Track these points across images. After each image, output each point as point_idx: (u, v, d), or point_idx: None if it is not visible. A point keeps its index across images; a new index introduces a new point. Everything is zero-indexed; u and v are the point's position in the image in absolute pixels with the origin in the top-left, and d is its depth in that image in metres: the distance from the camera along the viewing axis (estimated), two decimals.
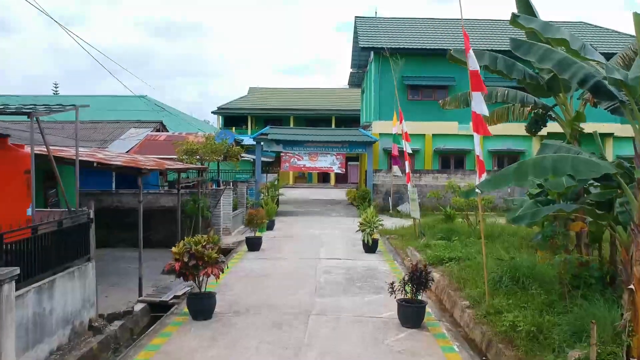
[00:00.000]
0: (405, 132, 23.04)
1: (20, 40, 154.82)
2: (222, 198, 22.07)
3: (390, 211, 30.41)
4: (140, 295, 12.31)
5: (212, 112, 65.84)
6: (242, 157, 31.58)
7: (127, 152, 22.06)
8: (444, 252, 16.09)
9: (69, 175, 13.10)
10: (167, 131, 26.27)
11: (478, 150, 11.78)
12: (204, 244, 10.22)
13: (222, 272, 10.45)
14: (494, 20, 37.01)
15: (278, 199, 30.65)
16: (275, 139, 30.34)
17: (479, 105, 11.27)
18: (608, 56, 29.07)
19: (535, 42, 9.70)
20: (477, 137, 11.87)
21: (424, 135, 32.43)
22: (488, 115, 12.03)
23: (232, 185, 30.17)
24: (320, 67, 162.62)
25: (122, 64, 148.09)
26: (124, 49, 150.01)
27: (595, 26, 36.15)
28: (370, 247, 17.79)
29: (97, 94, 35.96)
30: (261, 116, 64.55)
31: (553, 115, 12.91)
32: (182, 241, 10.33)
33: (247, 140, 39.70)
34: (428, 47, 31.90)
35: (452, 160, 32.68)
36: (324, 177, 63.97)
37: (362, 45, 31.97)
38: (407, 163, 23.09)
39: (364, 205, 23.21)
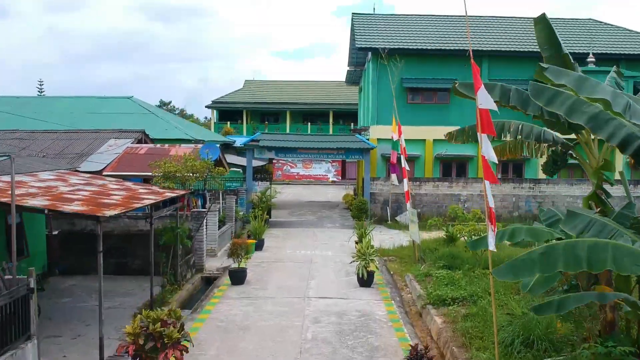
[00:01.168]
0: (403, 147, 21.37)
1: (17, 24, 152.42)
2: (207, 216, 20.49)
3: (389, 221, 28.89)
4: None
5: (206, 107, 64.17)
6: (232, 165, 30.00)
7: (103, 168, 20.42)
8: (446, 290, 14.56)
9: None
10: (151, 140, 24.58)
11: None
12: (164, 318, 8.64)
13: (187, 352, 8.84)
14: (502, 18, 35.17)
15: (270, 209, 29.06)
16: (267, 145, 28.72)
17: (487, 149, 9.59)
18: (618, 57, 27.39)
19: (561, 89, 8.02)
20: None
21: (424, 140, 30.77)
22: (497, 162, 10.30)
23: (221, 195, 28.62)
24: (321, 51, 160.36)
25: (119, 48, 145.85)
26: (122, 32, 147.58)
27: (605, 23, 34.32)
28: (365, 281, 16.21)
29: (83, 95, 34.20)
30: (257, 110, 62.91)
31: (574, 155, 11.22)
32: (138, 316, 8.73)
33: (241, 141, 38.09)
34: (429, 48, 30.12)
35: (454, 166, 31.05)
36: None
37: (358, 46, 30.21)
38: (405, 181, 21.46)
39: (360, 223, 21.64)
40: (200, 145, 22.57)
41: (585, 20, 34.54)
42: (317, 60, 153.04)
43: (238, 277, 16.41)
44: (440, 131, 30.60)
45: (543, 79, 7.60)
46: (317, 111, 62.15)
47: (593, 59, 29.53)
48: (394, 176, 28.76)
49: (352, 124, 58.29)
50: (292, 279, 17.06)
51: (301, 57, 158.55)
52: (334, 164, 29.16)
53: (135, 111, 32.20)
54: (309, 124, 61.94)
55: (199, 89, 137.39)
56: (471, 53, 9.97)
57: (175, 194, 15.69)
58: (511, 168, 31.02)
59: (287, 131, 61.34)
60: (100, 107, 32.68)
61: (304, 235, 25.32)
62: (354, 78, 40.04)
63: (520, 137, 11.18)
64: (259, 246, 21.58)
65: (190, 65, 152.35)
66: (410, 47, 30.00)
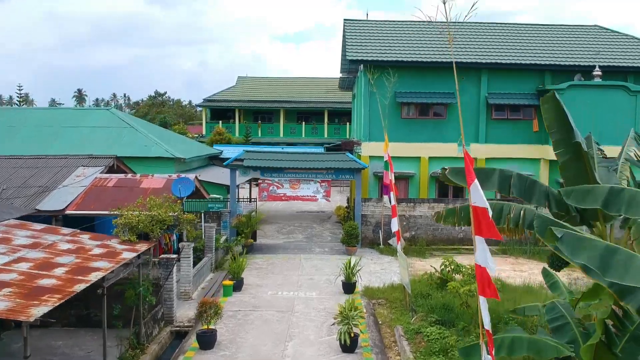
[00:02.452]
0: (391, 181, 19.63)
1: (16, 8, 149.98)
2: (180, 255, 18.87)
3: (381, 245, 27.25)
4: None
5: (197, 105, 62.37)
6: (214, 186, 28.30)
7: (67, 206, 18.72)
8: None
9: None
10: (124, 165, 22.84)
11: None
12: None
13: None
14: (501, 25, 33.22)
15: (255, 232, 27.43)
16: (251, 165, 27.01)
17: (484, 256, 7.89)
18: (626, 70, 25.53)
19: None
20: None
21: (419, 158, 29.02)
22: (494, 273, 8.61)
23: (203, 217, 26.96)
24: (320, 34, 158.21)
25: (118, 30, 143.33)
26: (120, 15, 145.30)
27: (611, 31, 32.42)
28: (348, 347, 14.59)
29: (62, 106, 32.36)
30: (250, 109, 61.09)
31: None
32: None
33: (228, 153, 36.33)
34: (424, 60, 28.25)
35: (451, 186, 29.29)
36: None
37: (349, 58, 28.33)
38: (392, 195, 19.70)
39: (348, 262, 19.95)
40: (174, 176, 20.85)
41: (591, 28, 32.61)
42: (317, 44, 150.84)
43: (207, 341, 14.79)
44: (436, 148, 29.06)
45: (557, 251, 5.84)
46: (311, 110, 60.31)
47: (599, 72, 27.70)
48: (386, 198, 27.04)
49: (346, 124, 56.51)
50: (267, 341, 15.42)
51: (301, 41, 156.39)
52: (323, 184, 27.47)
53: (113, 124, 30.38)
54: (304, 123, 60.16)
55: (198, 73, 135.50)
56: (464, 148, 8.21)
57: (134, 253, 14.03)
58: None
59: (281, 130, 59.72)
60: (78, 120, 30.88)
61: (289, 266, 23.69)
62: (347, 84, 38.19)
63: (521, 223, 9.40)
64: (238, 286, 19.96)
65: (189, 48, 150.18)
66: (404, 59, 28.14)
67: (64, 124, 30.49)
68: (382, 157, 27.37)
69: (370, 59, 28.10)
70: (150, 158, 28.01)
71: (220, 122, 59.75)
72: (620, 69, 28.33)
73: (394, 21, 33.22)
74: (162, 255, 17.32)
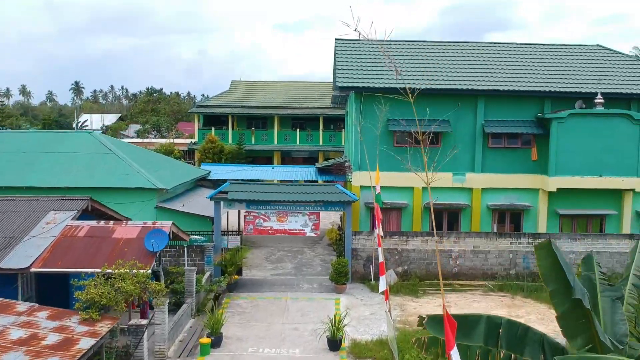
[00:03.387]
0: (378, 215, 18.35)
1: None
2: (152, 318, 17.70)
3: (372, 281, 26.10)
4: None
5: (189, 112, 60.98)
6: (199, 218, 27.15)
7: (32, 263, 17.51)
8: None
9: None
10: (99, 204, 21.58)
11: None
12: None
13: None
14: (498, 46, 31.84)
15: (241, 267, 26.28)
16: (236, 198, 25.81)
17: None
18: (629, 97, 24.23)
19: None
20: None
21: (412, 188, 27.77)
22: None
23: (186, 252, 25.84)
24: (321, 23, 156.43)
25: (117, 19, 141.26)
26: (120, 3, 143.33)
27: (613, 52, 31.08)
28: None
29: (43, 130, 31.12)
30: (243, 115, 59.79)
31: None
32: None
33: (217, 173, 35.10)
34: (418, 87, 26.85)
35: (445, 216, 28.10)
36: None
37: (339, 84, 27.02)
38: (380, 250, 18.42)
39: (335, 319, 18.82)
40: (149, 224, 19.64)
41: (593, 48, 31.25)
42: (316, 33, 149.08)
43: None
44: (430, 177, 27.73)
45: None
46: (306, 116, 58.99)
47: (601, 100, 26.42)
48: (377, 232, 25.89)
49: (342, 131, 55.22)
50: None
51: (301, 29, 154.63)
52: (311, 216, 26.29)
53: (94, 150, 29.11)
54: (298, 129, 58.85)
55: (197, 62, 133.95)
56: (445, 311, 7.00)
57: (94, 339, 12.86)
58: (508, 217, 28.08)
59: (275, 137, 58.45)
60: (57, 145, 29.61)
61: (274, 309, 22.53)
62: (340, 101, 36.85)
63: None
64: (217, 343, 18.81)
65: (188, 37, 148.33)
66: (397, 85, 26.77)
67: (42, 150, 29.23)
68: (374, 187, 26.26)
69: (360, 85, 26.81)
70: (130, 189, 26.78)
71: (213, 128, 58.43)
72: (622, 96, 27.03)
73: (387, 41, 31.82)
74: (131, 322, 16.14)
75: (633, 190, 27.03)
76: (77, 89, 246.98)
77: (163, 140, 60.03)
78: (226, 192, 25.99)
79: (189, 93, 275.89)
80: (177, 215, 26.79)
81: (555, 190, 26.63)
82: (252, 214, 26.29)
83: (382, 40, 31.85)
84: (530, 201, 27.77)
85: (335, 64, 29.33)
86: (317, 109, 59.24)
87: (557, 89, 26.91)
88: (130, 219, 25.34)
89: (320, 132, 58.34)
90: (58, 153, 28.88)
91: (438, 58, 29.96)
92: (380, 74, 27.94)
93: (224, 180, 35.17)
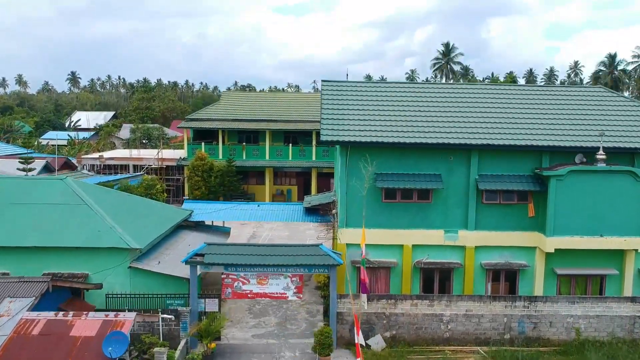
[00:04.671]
0: (365, 280, 16.87)
1: None
2: None
3: None
4: None
5: (178, 127, 59.33)
6: (173, 280, 25.64)
7: None
8: None
9: None
10: (63, 280, 20.07)
11: None
12: None
13: None
14: (493, 88, 30.03)
15: (219, 334, 24.77)
16: (213, 262, 24.29)
17: None
18: (632, 151, 22.55)
19: None
20: None
21: (402, 246, 26.20)
22: None
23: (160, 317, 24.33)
24: (320, 6, 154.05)
25: (116, 2, 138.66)
26: None
27: (616, 95, 29.34)
28: None
29: (14, 176, 29.62)
30: (234, 130, 58.17)
31: None
32: None
33: (199, 214, 33.50)
34: (408, 142, 25.26)
35: (437, 276, 26.54)
36: (305, 189, 57.85)
37: (324, 139, 25.35)
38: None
39: None
40: (111, 316, 18.11)
41: (595, 91, 29.47)
42: (316, 16, 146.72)
43: None
44: (420, 235, 26.20)
45: None
46: (298, 131, 57.27)
47: (603, 156, 24.74)
48: (364, 296, 24.45)
49: (336, 147, 53.42)
50: None
51: (301, 12, 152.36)
52: (294, 278, 24.78)
53: (66, 200, 27.48)
54: (290, 145, 57.18)
55: (197, 45, 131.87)
56: None
57: None
58: (503, 276, 26.53)
59: (267, 152, 56.87)
60: (28, 193, 28.01)
61: None
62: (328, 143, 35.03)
63: None
64: None
65: (188, 21, 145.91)
66: (385, 140, 25.16)
67: (12, 199, 27.64)
68: (360, 244, 24.81)
69: (347, 139, 25.15)
70: (101, 249, 25.25)
71: (203, 144, 56.82)
72: (625, 150, 25.35)
73: (375, 83, 30.10)
74: None
75: (636, 250, 25.45)
76: (73, 79, 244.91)
77: (153, 153, 58.37)
78: (203, 255, 24.43)
79: (187, 81, 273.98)
80: (152, 277, 25.35)
81: (553, 251, 25.06)
82: (230, 276, 24.78)
83: (372, 83, 30.13)
84: (526, 259, 26.22)
85: (321, 109, 27.60)
86: (309, 123, 57.59)
87: (556, 144, 25.21)
88: (101, 285, 24.00)
89: (313, 148, 56.69)
90: (27, 204, 27.32)
91: (429, 103, 28.21)
92: (368, 124, 26.26)
93: (205, 224, 33.75)
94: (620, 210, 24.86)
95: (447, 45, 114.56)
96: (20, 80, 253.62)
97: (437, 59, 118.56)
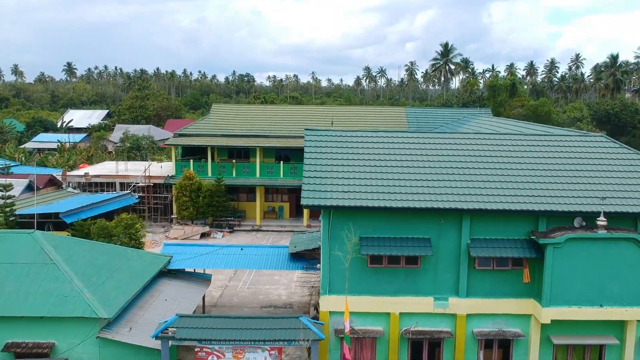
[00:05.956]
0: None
1: None
2: None
3: None
4: None
5: (166, 144, 57.68)
6: None
7: None
8: None
9: None
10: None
11: None
12: None
13: None
14: (487, 139, 28.21)
15: None
16: (185, 337, 22.74)
17: None
18: (634, 215, 20.80)
19: None
20: None
21: (389, 314, 24.60)
22: None
23: None
24: None
25: None
26: None
27: (619, 146, 27.54)
28: None
29: None
30: (224, 148, 56.53)
31: None
32: None
33: (179, 260, 31.84)
34: (395, 207, 23.58)
35: (426, 346, 24.95)
36: (297, 206, 56.26)
37: (304, 204, 23.67)
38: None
39: None
40: None
41: (596, 141, 27.66)
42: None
43: None
44: (408, 302, 24.55)
45: None
46: (290, 148, 55.53)
47: (604, 222, 23.03)
48: None
49: None
50: None
51: None
52: (272, 352, 23.30)
53: (33, 259, 25.79)
54: (282, 162, 55.49)
55: (197, 30, 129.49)
56: None
57: None
58: (496, 345, 24.95)
59: (257, 170, 55.21)
60: None
61: None
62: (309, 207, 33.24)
63: None
64: None
65: (187, 4, 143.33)
66: (371, 204, 23.48)
67: None
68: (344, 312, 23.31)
69: (329, 204, 23.47)
70: (67, 319, 23.70)
71: (192, 161, 55.10)
72: (628, 215, 23.66)
73: (361, 133, 28.35)
74: None
75: (638, 320, 23.87)
76: (69, 70, 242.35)
77: (140, 169, 56.67)
78: (174, 329, 22.87)
79: (184, 70, 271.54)
80: (123, 346, 23.79)
81: (549, 322, 23.48)
82: (204, 349, 23.30)
83: (356, 132, 28.39)
84: (521, 327, 24.64)
85: (304, 163, 25.89)
86: (302, 139, 55.74)
87: (554, 208, 23.49)
88: None
89: None
90: None
91: (418, 157, 26.46)
92: (353, 182, 24.57)
93: (185, 270, 32.11)
94: (622, 279, 23.26)
95: (445, 45, 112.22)
96: (16, 71, 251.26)
97: (435, 59, 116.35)
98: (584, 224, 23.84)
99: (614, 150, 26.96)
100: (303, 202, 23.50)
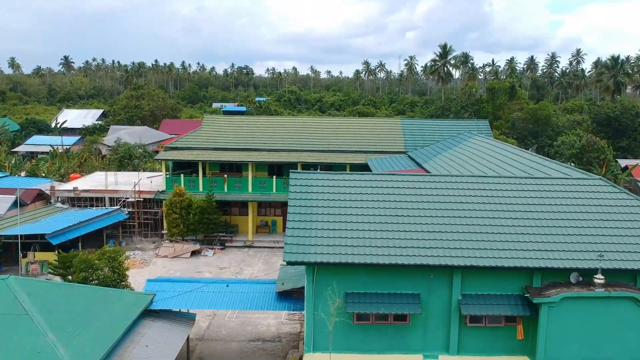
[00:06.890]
0: None
1: None
2: None
3: None
4: None
5: (155, 159, 56.47)
6: None
7: None
8: None
9: None
10: None
11: None
12: None
13: None
14: (482, 181, 26.98)
15: None
16: None
17: None
18: (634, 272, 19.54)
19: None
20: None
21: None
22: None
23: None
24: None
25: None
26: None
27: (616, 188, 26.34)
28: None
29: None
30: (216, 162, 55.40)
31: None
32: None
33: (163, 299, 30.77)
34: (382, 263, 22.45)
35: None
36: None
37: (286, 260, 22.55)
38: None
39: None
40: None
41: (594, 185, 26.42)
42: None
43: None
44: None
45: None
46: (284, 163, 54.32)
47: (602, 280, 21.92)
48: None
49: None
50: None
51: None
52: None
53: (6, 310, 24.55)
54: (275, 177, 54.34)
55: (196, 19, 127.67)
56: None
57: None
58: None
59: (250, 184, 54.11)
60: None
61: None
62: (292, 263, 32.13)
63: None
64: None
65: None
66: (357, 261, 22.35)
67: None
68: None
69: (312, 260, 22.36)
70: None
71: (182, 176, 53.95)
72: (627, 272, 22.55)
73: (348, 175, 27.15)
74: None
75: None
76: (66, 63, 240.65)
77: (131, 181, 55.53)
78: None
79: (183, 63, 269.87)
80: None
81: None
82: None
83: (342, 175, 27.22)
84: None
85: (288, 211, 24.75)
86: (294, 152, 54.94)
87: (549, 265, 22.37)
88: None
89: None
90: None
91: (407, 203, 25.28)
92: (339, 235, 23.44)
93: (170, 312, 31.04)
94: (620, 339, 22.20)
95: (444, 46, 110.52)
96: (13, 64, 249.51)
97: (433, 60, 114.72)
98: (580, 279, 22.74)
99: (613, 196, 25.74)
100: (285, 257, 22.40)
